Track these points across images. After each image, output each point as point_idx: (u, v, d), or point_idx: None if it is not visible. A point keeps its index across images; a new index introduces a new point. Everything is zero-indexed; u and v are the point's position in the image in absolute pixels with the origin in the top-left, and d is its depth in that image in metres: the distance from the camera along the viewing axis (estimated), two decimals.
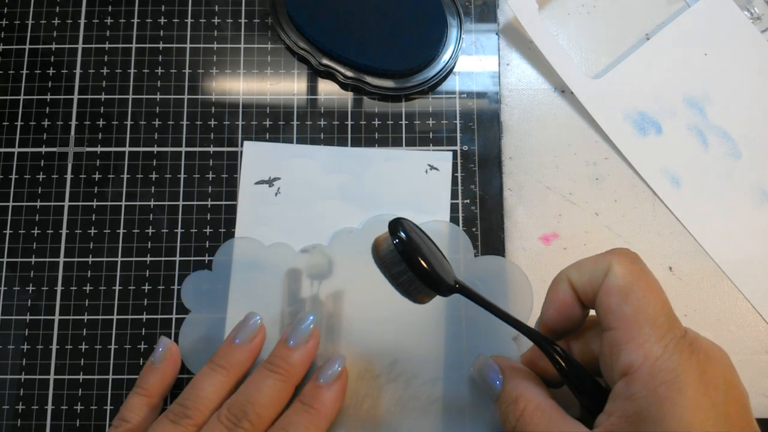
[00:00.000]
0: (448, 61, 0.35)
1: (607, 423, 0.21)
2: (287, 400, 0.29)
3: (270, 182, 0.34)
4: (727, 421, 0.20)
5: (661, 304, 0.22)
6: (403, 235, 0.24)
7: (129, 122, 0.35)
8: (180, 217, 0.34)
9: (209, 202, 0.34)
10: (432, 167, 0.34)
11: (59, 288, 0.34)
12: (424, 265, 0.24)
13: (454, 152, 0.35)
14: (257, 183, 0.34)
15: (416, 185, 0.34)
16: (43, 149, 0.35)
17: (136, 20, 0.37)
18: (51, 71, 0.36)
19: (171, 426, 0.27)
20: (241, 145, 0.35)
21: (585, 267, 0.25)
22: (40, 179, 0.35)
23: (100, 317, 0.33)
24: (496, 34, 0.37)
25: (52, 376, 0.33)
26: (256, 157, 0.35)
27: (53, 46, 0.36)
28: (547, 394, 0.25)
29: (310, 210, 0.34)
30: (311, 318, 0.30)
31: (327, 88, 0.36)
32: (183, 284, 0.33)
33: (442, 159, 0.35)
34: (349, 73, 0.35)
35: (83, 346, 0.33)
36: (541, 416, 0.23)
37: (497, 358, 0.27)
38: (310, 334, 0.30)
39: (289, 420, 0.28)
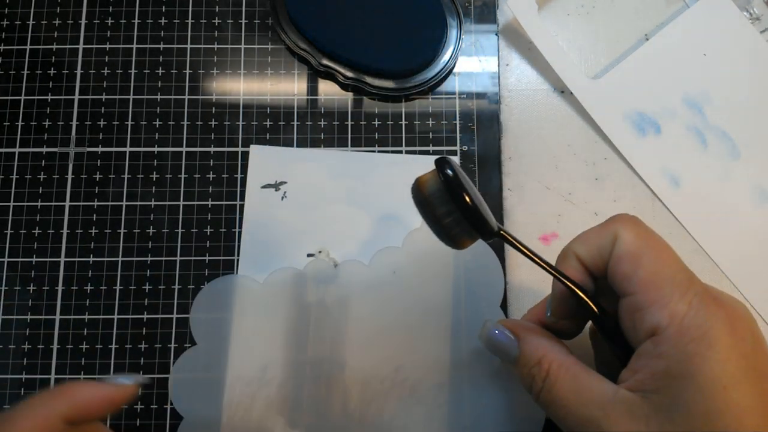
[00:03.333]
0: (447, 62, 0.35)
1: (634, 380, 0.21)
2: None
3: (276, 186, 0.34)
4: (756, 372, 0.20)
5: (675, 262, 0.22)
6: (450, 173, 0.23)
7: (130, 122, 0.36)
8: (180, 217, 0.34)
9: (210, 202, 0.35)
10: None
11: (60, 288, 0.34)
12: (473, 203, 0.23)
13: (461, 153, 0.35)
14: (264, 187, 0.34)
15: None
16: (44, 149, 0.35)
17: (136, 21, 0.37)
18: (52, 71, 0.36)
19: None
20: (243, 146, 0.35)
21: (591, 239, 0.24)
22: (41, 179, 0.35)
23: (100, 317, 0.33)
24: (496, 34, 0.37)
25: (53, 376, 0.33)
26: (263, 161, 0.35)
27: (54, 47, 0.37)
28: (568, 351, 0.24)
29: (317, 214, 0.34)
30: (134, 379, 0.26)
31: (327, 89, 0.36)
32: (192, 312, 0.33)
33: None
34: (349, 74, 0.35)
35: (84, 346, 0.33)
36: (566, 374, 0.23)
37: (505, 321, 0.26)
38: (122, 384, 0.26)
39: None
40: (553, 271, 0.25)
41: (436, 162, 0.24)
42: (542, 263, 0.25)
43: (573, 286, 0.24)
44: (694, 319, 0.20)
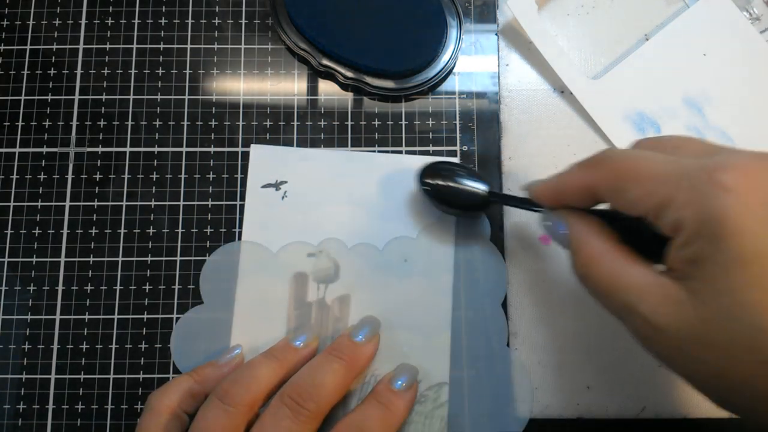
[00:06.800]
0: (447, 62, 0.35)
1: (669, 268, 0.21)
2: (346, 390, 0.29)
3: (277, 186, 0.34)
4: None
5: (660, 166, 0.21)
6: (427, 188, 0.31)
7: (130, 122, 0.36)
8: (181, 217, 0.34)
9: (210, 202, 0.35)
10: None
11: (60, 288, 0.34)
12: (451, 204, 0.31)
13: (461, 153, 0.35)
14: (264, 186, 0.34)
15: None
16: (44, 149, 0.35)
17: (136, 21, 0.37)
18: (52, 71, 0.36)
19: (222, 409, 0.27)
20: (243, 146, 0.35)
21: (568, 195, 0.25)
22: (41, 179, 0.35)
23: (101, 317, 0.33)
24: (496, 34, 0.37)
25: (53, 376, 0.33)
26: (263, 161, 0.35)
27: (54, 47, 0.37)
28: (612, 238, 0.24)
29: (317, 214, 0.34)
30: (377, 321, 0.32)
31: (327, 89, 0.36)
32: (202, 273, 0.34)
33: None
34: (349, 74, 0.35)
35: (84, 346, 0.33)
36: (604, 261, 0.23)
37: (561, 211, 0.26)
38: (375, 334, 0.31)
39: (366, 413, 0.28)
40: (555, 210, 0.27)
41: (418, 176, 0.32)
42: (536, 206, 0.28)
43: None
44: (701, 206, 0.20)
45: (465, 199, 0.31)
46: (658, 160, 0.22)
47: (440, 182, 0.31)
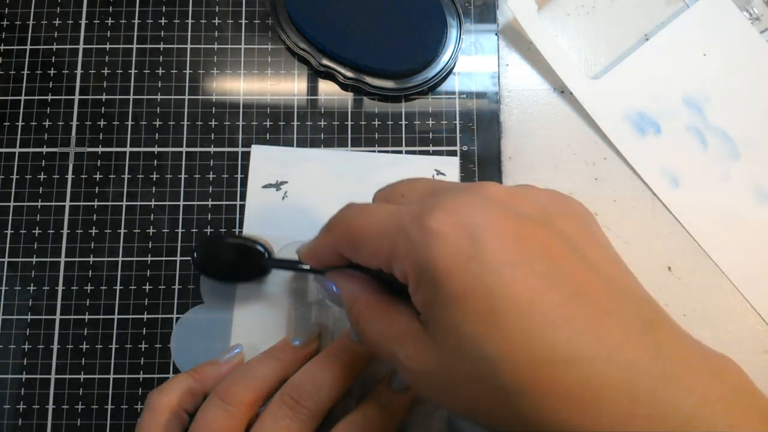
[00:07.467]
0: (447, 62, 0.35)
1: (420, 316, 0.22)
2: (346, 390, 0.29)
3: (277, 186, 0.34)
4: (476, 260, 0.19)
5: (383, 221, 0.22)
6: (198, 262, 0.31)
7: (130, 122, 0.36)
8: (181, 217, 0.34)
9: (210, 203, 0.35)
10: (439, 172, 0.35)
11: (60, 288, 0.34)
12: (230, 278, 0.32)
13: (461, 153, 0.35)
14: (264, 186, 0.34)
15: None
16: (44, 149, 0.35)
17: (136, 21, 0.37)
18: (52, 71, 0.36)
19: (222, 408, 0.27)
20: (243, 146, 0.35)
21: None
22: (41, 179, 0.35)
23: (101, 317, 0.33)
24: (496, 34, 0.37)
25: (53, 376, 0.33)
26: (264, 161, 0.35)
27: (54, 47, 0.37)
28: (377, 292, 0.25)
29: (317, 214, 0.34)
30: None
31: (327, 89, 0.36)
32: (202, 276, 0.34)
33: (449, 164, 0.35)
34: (349, 74, 0.35)
35: (84, 346, 0.33)
36: (372, 313, 0.24)
37: (330, 271, 0.27)
38: None
39: (366, 413, 0.28)
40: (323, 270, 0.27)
41: (192, 257, 0.31)
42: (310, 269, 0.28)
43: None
44: (415, 255, 0.20)
45: (243, 271, 0.31)
46: (382, 214, 0.22)
47: (212, 260, 0.31)
